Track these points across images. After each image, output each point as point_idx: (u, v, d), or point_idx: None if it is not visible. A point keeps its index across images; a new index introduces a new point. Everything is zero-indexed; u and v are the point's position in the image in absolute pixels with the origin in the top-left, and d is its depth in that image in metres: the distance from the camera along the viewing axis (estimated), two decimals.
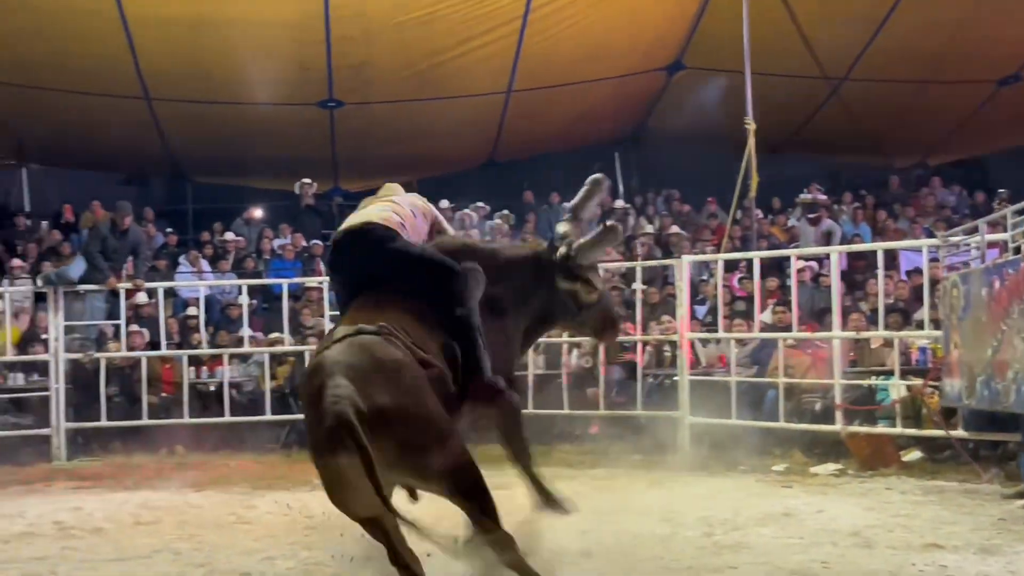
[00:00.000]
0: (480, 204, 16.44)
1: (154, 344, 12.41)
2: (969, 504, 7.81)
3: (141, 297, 12.99)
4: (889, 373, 9.95)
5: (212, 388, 12.42)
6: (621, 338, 11.77)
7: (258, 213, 18.42)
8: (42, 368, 12.06)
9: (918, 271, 11.89)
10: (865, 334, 10.56)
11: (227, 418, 11.77)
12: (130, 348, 12.17)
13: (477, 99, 16.56)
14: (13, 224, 17.22)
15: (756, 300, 11.04)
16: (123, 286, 12.36)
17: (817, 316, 11.44)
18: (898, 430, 9.54)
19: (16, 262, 14.89)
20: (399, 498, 4.82)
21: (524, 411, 5.78)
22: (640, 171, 19.26)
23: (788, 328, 10.79)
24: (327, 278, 10.78)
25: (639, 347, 11.59)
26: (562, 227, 5.66)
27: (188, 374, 12.03)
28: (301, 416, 8.00)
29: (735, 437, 10.32)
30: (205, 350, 12.41)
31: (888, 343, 10.30)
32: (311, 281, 13.30)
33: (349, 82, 15.92)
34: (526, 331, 5.63)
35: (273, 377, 12.07)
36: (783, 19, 15.38)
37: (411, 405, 4.45)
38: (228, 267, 15.36)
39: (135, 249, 13.04)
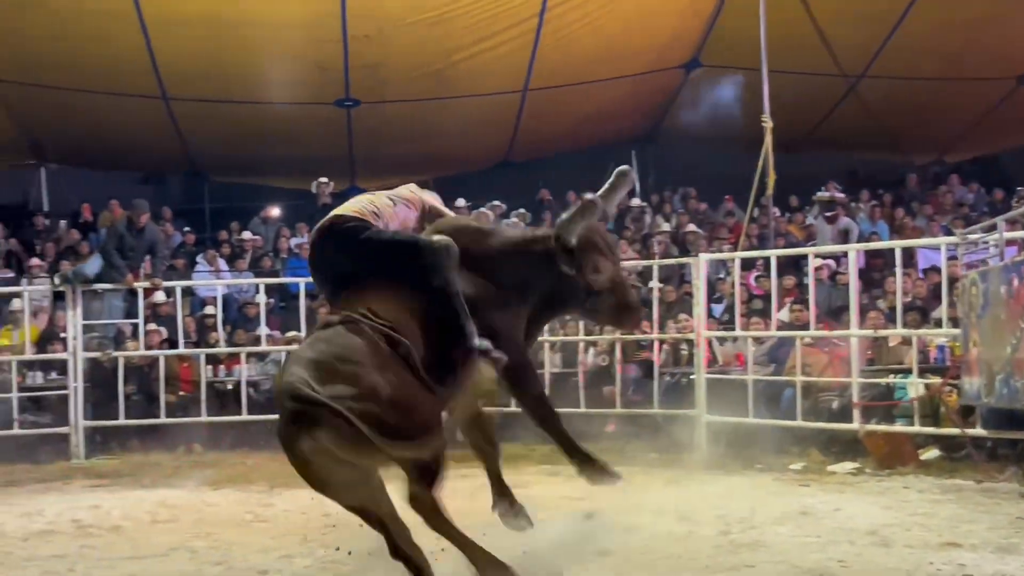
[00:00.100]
0: (496, 203, 16.40)
1: (172, 343, 12.45)
2: (987, 503, 7.76)
3: (159, 296, 13.04)
4: (907, 371, 9.91)
5: (229, 387, 12.44)
6: (638, 336, 11.80)
7: (275, 212, 18.46)
8: (61, 367, 12.12)
9: (935, 269, 11.87)
10: (883, 332, 10.52)
11: (244, 416, 11.79)
12: (148, 347, 12.22)
13: (493, 98, 16.56)
14: (32, 224, 17.32)
15: (773, 298, 11.02)
16: (141, 285, 12.40)
17: (834, 314, 11.40)
18: (916, 428, 9.50)
19: (35, 261, 15.00)
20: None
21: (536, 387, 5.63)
22: (657, 169, 19.20)
23: (805, 326, 10.76)
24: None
25: (656, 345, 11.57)
26: (565, 214, 5.63)
27: (206, 373, 12.05)
28: None
29: (752, 435, 10.30)
30: (223, 349, 12.44)
31: (906, 341, 10.24)
32: None
33: (366, 81, 15.95)
34: (534, 315, 5.57)
35: None
36: (800, 16, 15.35)
37: (365, 384, 4.57)
38: (245, 266, 15.41)
39: (152, 247, 13.10)
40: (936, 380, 9.58)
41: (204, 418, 11.76)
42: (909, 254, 12.31)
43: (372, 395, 4.54)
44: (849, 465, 9.54)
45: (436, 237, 5.24)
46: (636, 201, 17.40)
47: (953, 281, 9.65)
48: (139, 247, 12.89)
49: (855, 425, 9.76)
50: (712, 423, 10.61)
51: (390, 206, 5.46)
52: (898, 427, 9.68)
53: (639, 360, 12.04)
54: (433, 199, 5.83)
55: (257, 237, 16.23)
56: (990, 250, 9.10)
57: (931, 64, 16.61)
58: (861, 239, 14.28)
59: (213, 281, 14.36)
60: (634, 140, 19.12)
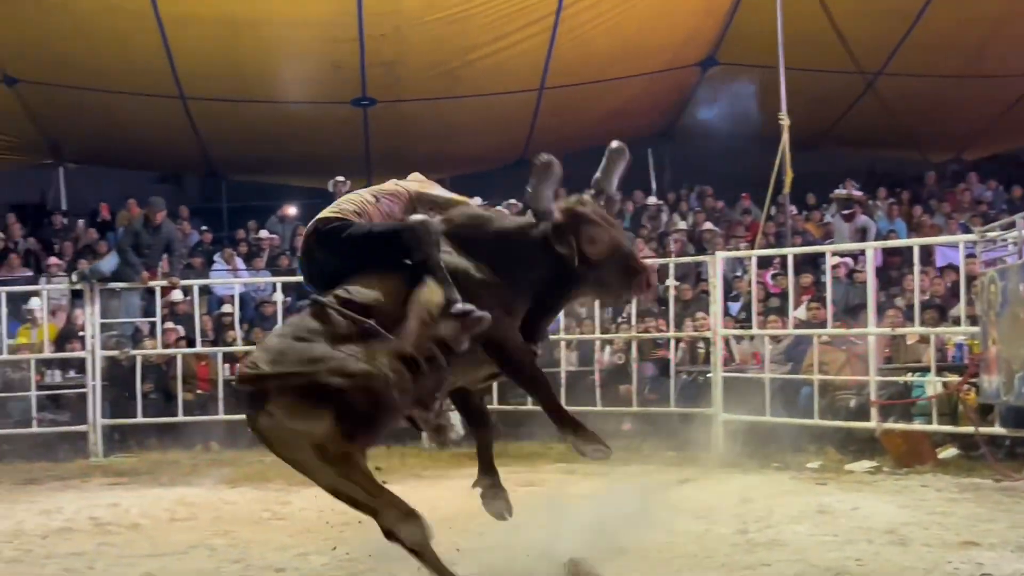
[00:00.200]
0: (513, 201, 16.38)
1: (189, 341, 12.49)
2: (1006, 501, 7.74)
3: (176, 295, 13.08)
4: (925, 370, 9.88)
5: None
6: (654, 334, 11.78)
7: (292, 211, 18.47)
8: (79, 365, 12.18)
9: (953, 267, 11.82)
10: (901, 330, 10.47)
11: None
12: (165, 345, 12.26)
13: (510, 96, 16.56)
14: (50, 223, 17.41)
15: (790, 296, 10.99)
16: (158, 284, 12.45)
17: (852, 312, 11.36)
18: (934, 427, 9.47)
19: (53, 260, 15.07)
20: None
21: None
22: (673, 167, 19.18)
23: (823, 324, 10.73)
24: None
25: (672, 344, 11.54)
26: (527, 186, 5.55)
27: (223, 371, 12.08)
28: None
29: (769, 434, 10.29)
30: (240, 347, 12.47)
31: (924, 339, 10.22)
32: None
33: (382, 80, 15.98)
34: (542, 300, 5.48)
35: None
36: (817, 14, 15.30)
37: (313, 356, 4.73)
38: (262, 265, 15.45)
39: (168, 245, 13.14)
40: (954, 378, 9.55)
41: (221, 416, 11.79)
42: (927, 252, 12.27)
43: (317, 364, 4.69)
44: (867, 464, 9.52)
45: (413, 216, 5.33)
46: (652, 199, 17.39)
47: (971, 279, 9.61)
48: (156, 245, 12.93)
49: (872, 424, 9.73)
50: (729, 421, 10.59)
51: (372, 203, 5.52)
52: (916, 426, 9.66)
53: (655, 358, 12.03)
54: (423, 186, 5.81)
55: (274, 236, 16.28)
56: (1008, 248, 9.06)
57: (949, 61, 16.55)
58: (879, 237, 14.23)
59: (230, 280, 14.42)
60: (651, 138, 19.09)
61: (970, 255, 9.88)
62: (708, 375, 11.06)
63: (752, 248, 13.08)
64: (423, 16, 14.87)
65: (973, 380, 9.15)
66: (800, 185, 13.70)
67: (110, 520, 7.99)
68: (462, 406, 5.76)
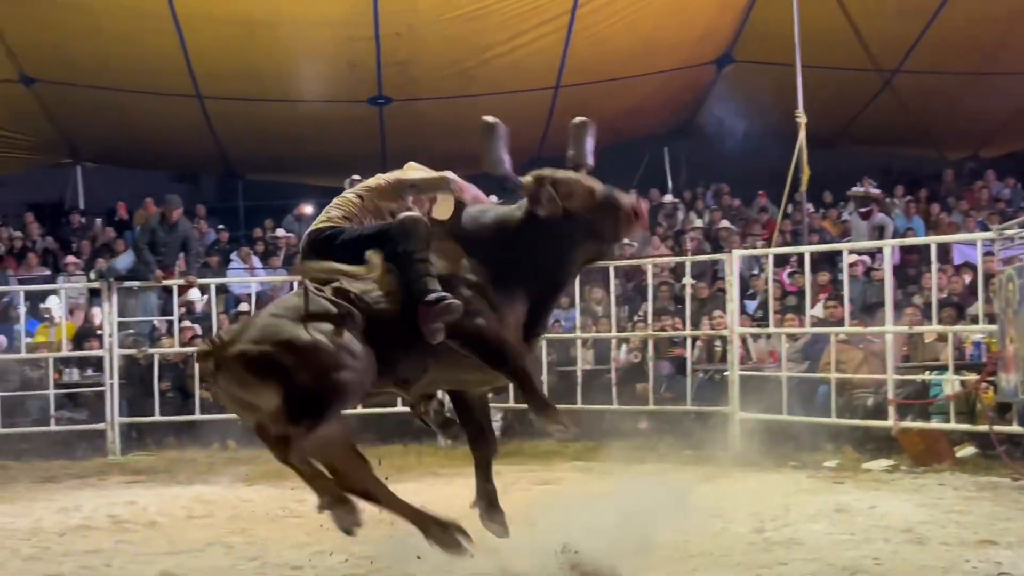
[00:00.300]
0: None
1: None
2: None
3: (193, 293, 13.11)
4: (943, 368, 9.84)
5: None
6: (671, 333, 11.77)
7: (309, 209, 18.48)
8: (97, 363, 12.22)
9: (970, 265, 11.77)
10: (918, 328, 10.44)
11: None
12: (183, 344, 12.29)
13: (525, 95, 16.54)
14: (68, 222, 17.50)
15: (807, 295, 10.96)
16: (175, 282, 12.48)
17: (869, 311, 11.33)
18: (951, 426, 9.43)
19: (71, 259, 15.13)
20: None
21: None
22: (689, 165, 19.17)
23: (840, 323, 10.70)
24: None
25: (689, 342, 11.52)
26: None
27: None
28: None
29: (786, 433, 10.26)
30: None
31: (942, 338, 10.17)
32: None
33: (398, 79, 16.00)
34: (548, 276, 5.48)
35: None
36: (834, 11, 15.26)
37: (274, 330, 4.83)
38: (279, 263, 15.49)
39: (185, 243, 13.17)
40: (972, 377, 9.51)
41: None
42: (945, 250, 12.22)
43: (272, 338, 4.77)
44: (884, 462, 9.49)
45: (401, 215, 5.38)
46: (669, 197, 17.37)
47: (989, 277, 9.56)
48: (172, 243, 12.98)
49: (890, 422, 9.69)
50: (746, 420, 10.56)
51: (358, 203, 5.57)
52: (933, 424, 9.61)
53: (672, 357, 12.01)
54: (402, 173, 5.86)
55: (291, 234, 16.31)
56: None
57: (967, 59, 16.48)
58: (896, 235, 14.20)
59: (247, 278, 14.45)
60: (667, 136, 19.09)
61: (988, 253, 9.84)
62: (725, 373, 11.03)
63: (769, 246, 13.03)
64: (439, 15, 14.89)
65: (991, 378, 9.10)
66: (817, 183, 13.67)
67: (128, 518, 8.01)
68: (464, 419, 5.71)
